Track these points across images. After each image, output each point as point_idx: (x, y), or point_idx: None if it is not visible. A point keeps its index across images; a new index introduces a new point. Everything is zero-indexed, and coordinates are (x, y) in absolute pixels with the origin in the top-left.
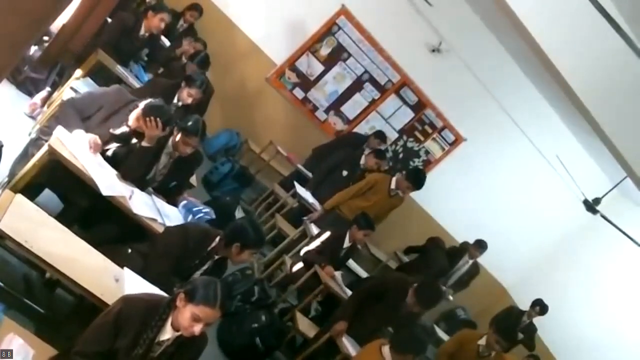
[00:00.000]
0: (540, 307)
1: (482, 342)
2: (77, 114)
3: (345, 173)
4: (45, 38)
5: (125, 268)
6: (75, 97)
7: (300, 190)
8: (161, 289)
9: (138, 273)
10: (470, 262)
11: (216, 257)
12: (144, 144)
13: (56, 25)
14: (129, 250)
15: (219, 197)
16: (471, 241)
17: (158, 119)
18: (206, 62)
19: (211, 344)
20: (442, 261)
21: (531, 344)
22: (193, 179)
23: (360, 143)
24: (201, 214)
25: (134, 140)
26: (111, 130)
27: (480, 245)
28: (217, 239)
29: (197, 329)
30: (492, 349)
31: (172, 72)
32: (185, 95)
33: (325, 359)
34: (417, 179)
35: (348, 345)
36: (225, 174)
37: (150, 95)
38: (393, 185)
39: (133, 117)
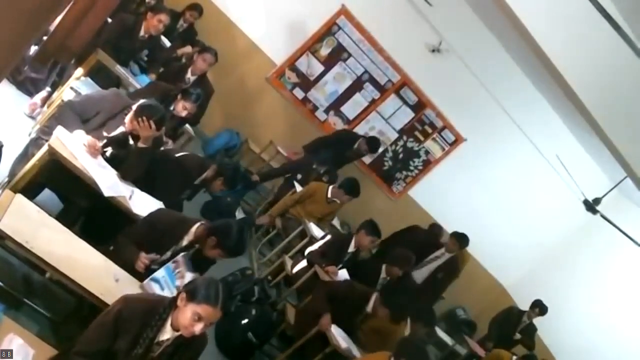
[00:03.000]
0: (539, 308)
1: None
2: (76, 117)
3: (299, 177)
4: (45, 38)
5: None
6: (74, 100)
7: (298, 187)
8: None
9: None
10: (446, 255)
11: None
12: (141, 144)
13: (55, 23)
14: (111, 248)
15: (220, 197)
16: (470, 242)
17: (150, 118)
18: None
19: (209, 344)
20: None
21: (530, 344)
22: None
23: (352, 142)
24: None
25: (131, 142)
26: (105, 134)
27: (458, 239)
28: (197, 225)
29: (198, 328)
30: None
31: (172, 72)
32: (180, 108)
33: (316, 350)
34: (351, 189)
35: (338, 336)
36: None
37: (150, 97)
38: (329, 195)
39: (127, 119)
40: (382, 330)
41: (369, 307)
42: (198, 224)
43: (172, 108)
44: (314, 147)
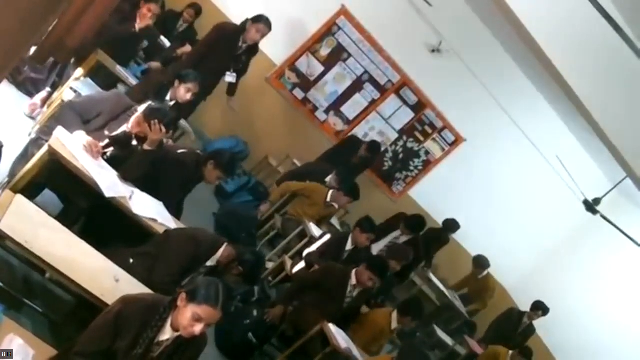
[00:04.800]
0: (542, 310)
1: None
2: (77, 117)
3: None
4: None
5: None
6: (75, 100)
7: None
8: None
9: (142, 280)
10: (403, 238)
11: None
12: (146, 147)
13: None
14: (131, 261)
15: (237, 209)
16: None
17: (161, 121)
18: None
19: (209, 344)
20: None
21: (523, 344)
22: (203, 187)
23: (357, 147)
24: None
25: (134, 143)
26: (107, 133)
27: (405, 222)
28: (224, 246)
29: (198, 329)
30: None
31: (231, 39)
32: (184, 92)
33: (315, 350)
34: (351, 190)
35: (338, 336)
36: (241, 186)
37: (145, 92)
38: (329, 199)
39: (133, 121)
40: (371, 326)
41: (353, 281)
42: (225, 244)
43: (169, 98)
44: (325, 158)
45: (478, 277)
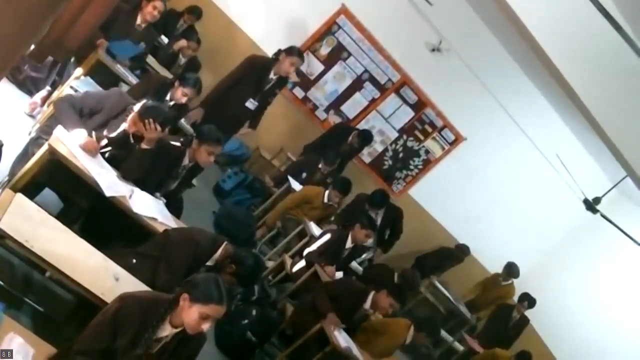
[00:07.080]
0: (527, 301)
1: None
2: (74, 112)
3: (304, 175)
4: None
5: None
6: (74, 94)
7: (295, 184)
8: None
9: (145, 281)
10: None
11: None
12: (144, 146)
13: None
14: (134, 261)
15: (238, 207)
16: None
17: (156, 120)
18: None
19: (209, 344)
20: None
21: (517, 336)
22: (202, 187)
23: (346, 135)
24: None
25: (132, 141)
26: (105, 133)
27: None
28: (224, 245)
29: (206, 326)
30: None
31: (260, 67)
32: (180, 95)
33: (315, 349)
34: (344, 188)
35: (338, 336)
36: (238, 183)
37: (145, 91)
38: (326, 199)
39: (129, 120)
40: (389, 338)
41: (367, 305)
42: (224, 243)
43: (168, 98)
44: (314, 146)
45: (502, 284)
